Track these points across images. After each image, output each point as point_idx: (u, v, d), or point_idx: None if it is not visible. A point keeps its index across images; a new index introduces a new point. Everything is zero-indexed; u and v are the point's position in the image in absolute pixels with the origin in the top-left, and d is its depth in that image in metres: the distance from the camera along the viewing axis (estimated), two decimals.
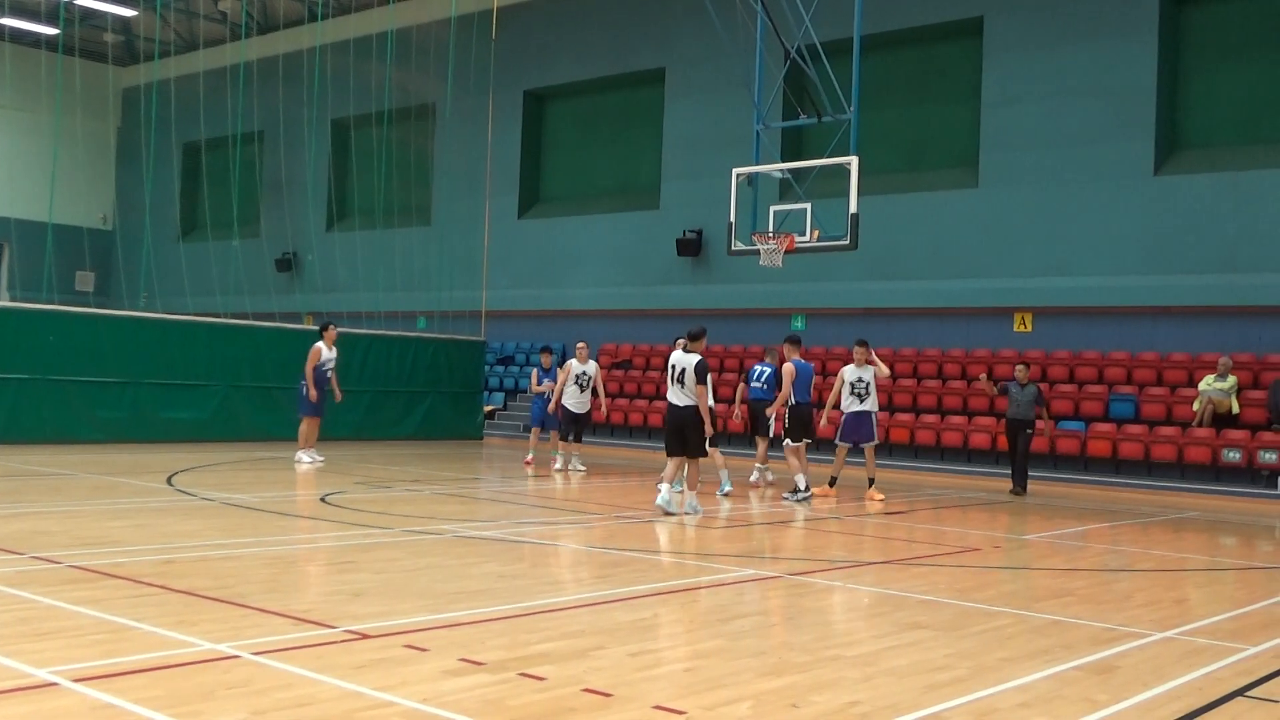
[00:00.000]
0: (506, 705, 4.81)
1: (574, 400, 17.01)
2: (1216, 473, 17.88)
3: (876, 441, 15.11)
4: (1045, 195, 21.20)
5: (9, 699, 4.62)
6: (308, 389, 16.92)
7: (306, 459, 16.81)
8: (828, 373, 23.18)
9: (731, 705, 4.95)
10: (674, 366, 12.12)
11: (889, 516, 13.54)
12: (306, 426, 17.09)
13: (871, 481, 14.97)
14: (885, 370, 15.11)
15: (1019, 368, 16.85)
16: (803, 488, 14.17)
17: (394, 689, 4.94)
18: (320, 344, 17.08)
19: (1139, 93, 20.44)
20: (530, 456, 18.06)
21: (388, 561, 8.70)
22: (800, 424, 14.48)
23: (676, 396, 12.10)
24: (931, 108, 23.43)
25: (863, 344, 15.00)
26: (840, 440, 15.03)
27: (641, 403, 24.14)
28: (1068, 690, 5.48)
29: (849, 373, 14.88)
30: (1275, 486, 17.30)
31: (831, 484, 15.07)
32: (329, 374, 17.12)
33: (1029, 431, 16.58)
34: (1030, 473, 19.26)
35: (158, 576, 7.36)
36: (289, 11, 33.77)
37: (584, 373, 17.11)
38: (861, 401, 14.77)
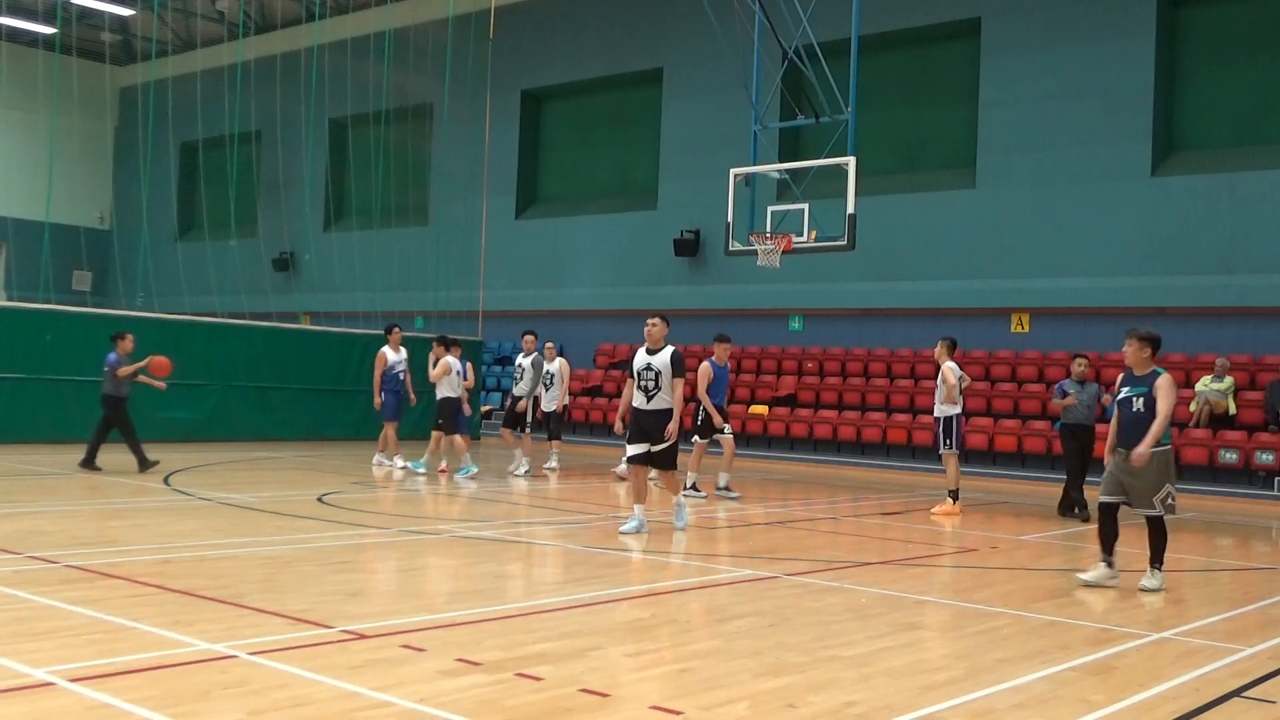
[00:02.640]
0: (503, 705, 4.81)
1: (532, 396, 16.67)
2: (1213, 473, 17.90)
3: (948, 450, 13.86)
4: (1042, 196, 21.22)
5: (5, 699, 4.62)
6: (375, 395, 16.53)
7: (387, 463, 16.56)
8: (826, 373, 23.23)
9: (728, 706, 4.95)
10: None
11: (886, 517, 13.55)
12: (389, 430, 16.66)
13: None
14: (951, 380, 13.71)
15: (1078, 361, 13.91)
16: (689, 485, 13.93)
17: (391, 689, 4.94)
18: (385, 348, 16.75)
19: (1136, 94, 20.46)
20: (443, 465, 16.03)
21: (385, 561, 8.69)
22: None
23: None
24: (929, 109, 23.45)
25: (943, 342, 13.95)
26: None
27: None
28: (1064, 691, 5.48)
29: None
30: (1272, 487, 17.32)
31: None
32: (401, 376, 16.76)
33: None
34: (1025, 474, 19.31)
35: (154, 576, 7.35)
36: (286, 11, 33.76)
37: (522, 367, 16.72)
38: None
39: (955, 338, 14.36)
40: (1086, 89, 20.88)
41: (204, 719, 4.45)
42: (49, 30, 31.37)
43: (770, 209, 17.46)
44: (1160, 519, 8.57)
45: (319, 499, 12.62)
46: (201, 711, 4.53)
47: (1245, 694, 5.59)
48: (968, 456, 19.91)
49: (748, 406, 22.89)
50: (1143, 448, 8.30)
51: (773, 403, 22.79)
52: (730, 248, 17.66)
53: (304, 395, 22.09)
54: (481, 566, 8.84)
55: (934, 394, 14.06)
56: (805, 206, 16.83)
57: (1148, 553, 8.63)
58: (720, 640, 6.27)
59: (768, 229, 17.07)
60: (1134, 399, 8.54)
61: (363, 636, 5.91)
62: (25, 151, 34.52)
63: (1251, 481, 17.58)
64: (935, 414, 14.00)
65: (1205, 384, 18.52)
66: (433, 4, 29.18)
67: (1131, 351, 8.64)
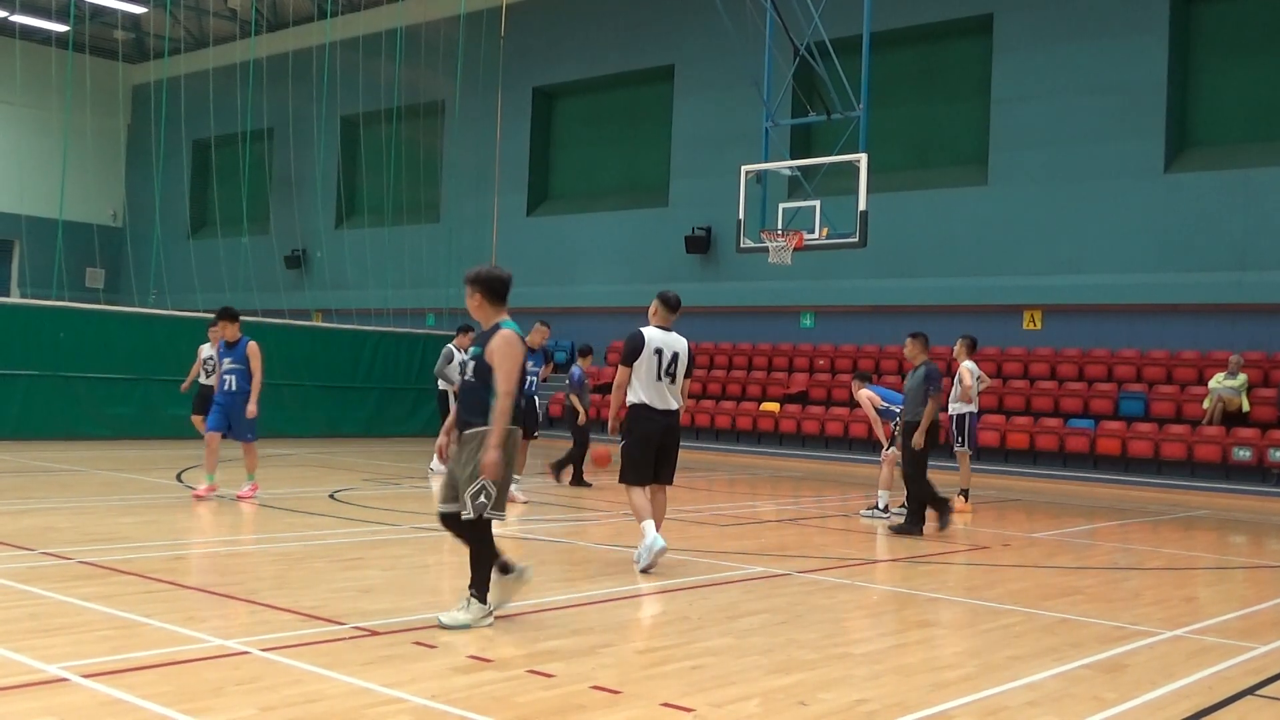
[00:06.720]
0: (515, 702, 4.81)
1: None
2: (1226, 471, 17.83)
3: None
4: (1055, 193, 21.15)
5: (19, 694, 4.64)
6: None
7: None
8: (837, 370, 23.20)
9: (740, 703, 4.95)
10: (662, 351, 8.64)
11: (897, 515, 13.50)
12: None
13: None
14: (969, 380, 13.86)
15: (909, 341, 11.99)
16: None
17: (402, 685, 4.95)
18: (450, 346, 16.17)
19: (1149, 90, 20.37)
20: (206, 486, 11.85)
21: (396, 558, 8.71)
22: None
23: (665, 397, 8.59)
24: (941, 105, 23.39)
25: (963, 341, 13.92)
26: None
27: None
28: (1076, 689, 5.47)
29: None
30: None
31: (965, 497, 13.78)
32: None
33: (920, 445, 11.70)
34: (1039, 470, 19.18)
35: (167, 572, 7.38)
36: (298, 9, 33.81)
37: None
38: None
39: (975, 337, 14.35)
40: (1099, 85, 20.80)
41: (217, 715, 4.46)
42: (62, 28, 31.47)
43: (782, 206, 17.45)
44: (469, 522, 6.09)
45: (331, 495, 12.65)
46: (214, 707, 4.55)
47: (1258, 692, 5.56)
48: (980, 454, 19.90)
49: (759, 404, 22.88)
50: (492, 440, 6.03)
51: (784, 400, 22.77)
52: (742, 245, 17.65)
53: (316, 392, 22.16)
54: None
55: (949, 392, 14.04)
56: (817, 203, 16.82)
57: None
58: (731, 637, 6.27)
59: (779, 226, 17.06)
60: (469, 364, 6.33)
61: (374, 633, 5.92)
62: (38, 149, 34.61)
63: (1265, 479, 17.51)
64: (950, 411, 13.99)
65: (1219, 381, 18.44)
66: (444, 1, 29.20)
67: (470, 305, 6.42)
